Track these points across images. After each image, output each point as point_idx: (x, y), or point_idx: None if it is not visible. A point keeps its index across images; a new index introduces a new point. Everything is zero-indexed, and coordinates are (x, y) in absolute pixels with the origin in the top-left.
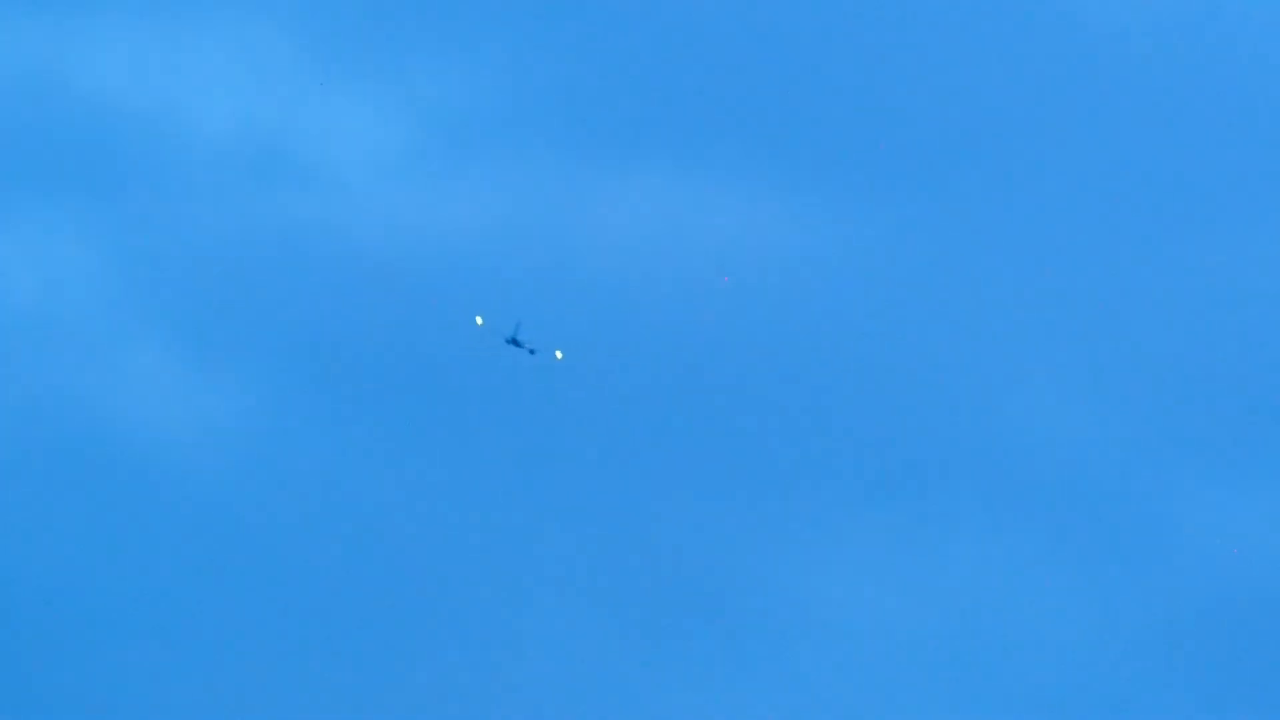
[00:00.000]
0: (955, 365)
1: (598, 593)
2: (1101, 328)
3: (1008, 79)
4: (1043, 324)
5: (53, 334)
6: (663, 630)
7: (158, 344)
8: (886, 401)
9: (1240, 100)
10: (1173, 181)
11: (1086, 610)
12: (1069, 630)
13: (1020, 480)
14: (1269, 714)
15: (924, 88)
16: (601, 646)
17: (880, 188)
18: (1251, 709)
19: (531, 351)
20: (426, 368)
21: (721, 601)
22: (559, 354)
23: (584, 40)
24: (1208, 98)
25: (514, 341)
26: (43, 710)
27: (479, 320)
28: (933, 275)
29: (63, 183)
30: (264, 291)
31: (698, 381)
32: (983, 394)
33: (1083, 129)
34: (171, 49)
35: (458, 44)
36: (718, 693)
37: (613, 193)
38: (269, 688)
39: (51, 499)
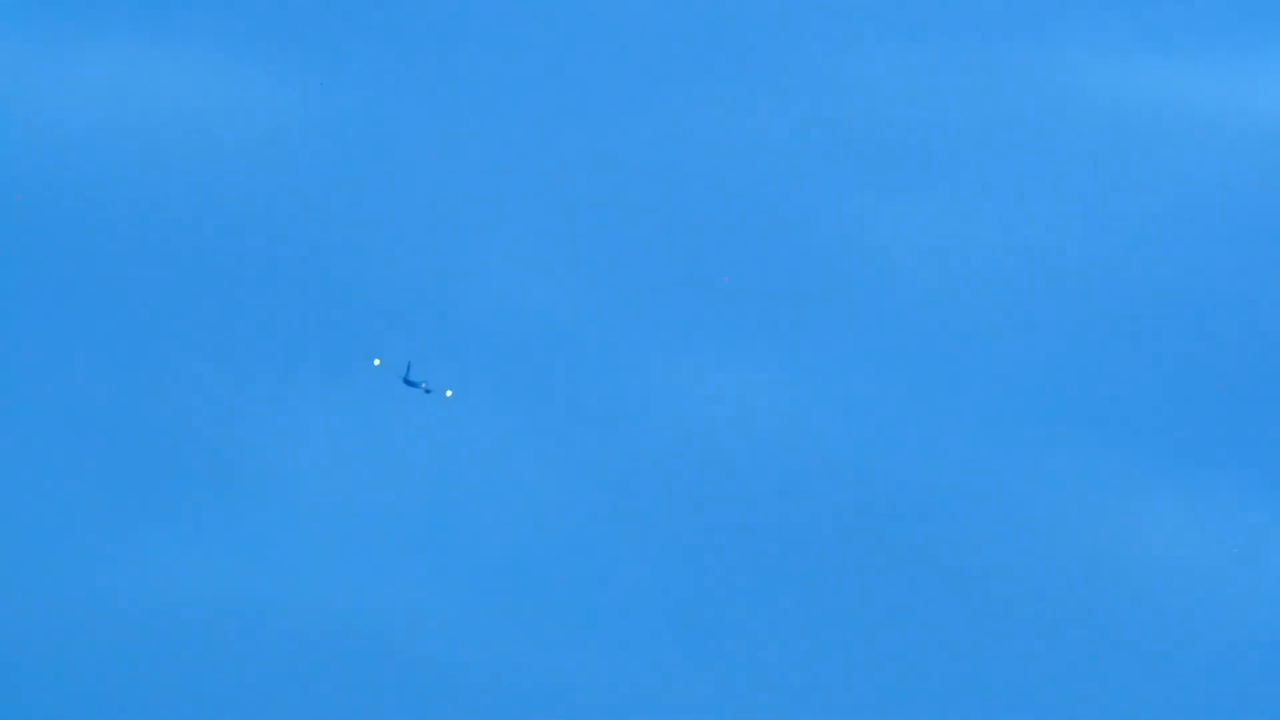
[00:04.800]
0: (420, 232)
1: (94, 455)
2: (566, 193)
3: None
4: (514, 192)
5: None
6: (158, 490)
7: None
8: (353, 268)
9: None
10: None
11: (554, 476)
12: (535, 494)
13: (487, 347)
14: (733, 567)
15: None
16: (96, 503)
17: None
18: (715, 565)
19: (427, 390)
20: None
21: (212, 465)
22: (449, 393)
23: None
24: None
25: (407, 381)
26: None
27: (376, 362)
28: (394, 141)
29: None
30: None
31: (181, 244)
32: (449, 261)
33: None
34: None
35: None
36: (193, 548)
37: (76, 57)
38: None
39: None
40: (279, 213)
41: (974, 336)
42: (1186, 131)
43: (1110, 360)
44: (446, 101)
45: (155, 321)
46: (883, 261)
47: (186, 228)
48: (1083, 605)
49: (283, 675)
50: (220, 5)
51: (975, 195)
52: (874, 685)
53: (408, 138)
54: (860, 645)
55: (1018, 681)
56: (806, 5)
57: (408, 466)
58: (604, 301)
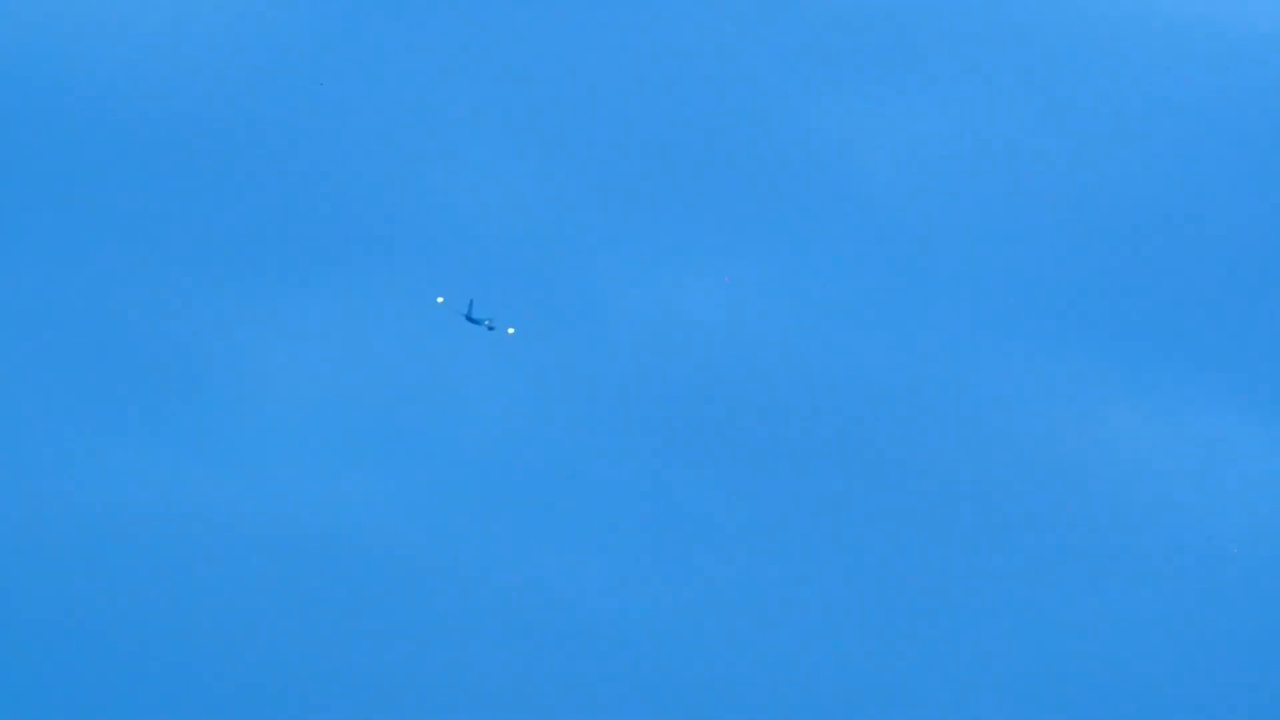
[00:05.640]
0: (392, 137)
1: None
2: (544, 99)
3: None
4: (491, 99)
5: None
6: (132, 396)
7: None
8: (326, 172)
9: None
10: None
11: (531, 380)
12: (511, 397)
13: (464, 252)
14: (710, 468)
15: None
16: (69, 409)
17: None
18: (693, 466)
19: (490, 328)
20: None
21: (184, 371)
22: (511, 330)
23: None
24: None
25: (470, 319)
26: None
27: (439, 300)
28: (370, 46)
29: None
30: None
31: (153, 148)
32: (423, 165)
33: None
34: None
35: None
36: (179, 459)
37: None
38: None
39: None
40: (250, 117)
41: (947, 242)
42: (1158, 37)
43: (1080, 266)
44: (427, 6)
45: (127, 228)
46: (859, 165)
47: (158, 131)
48: (1051, 505)
49: (256, 579)
50: None
51: (953, 100)
52: (845, 586)
53: (383, 42)
54: (831, 546)
55: (985, 581)
56: None
57: (382, 370)
58: (580, 207)
